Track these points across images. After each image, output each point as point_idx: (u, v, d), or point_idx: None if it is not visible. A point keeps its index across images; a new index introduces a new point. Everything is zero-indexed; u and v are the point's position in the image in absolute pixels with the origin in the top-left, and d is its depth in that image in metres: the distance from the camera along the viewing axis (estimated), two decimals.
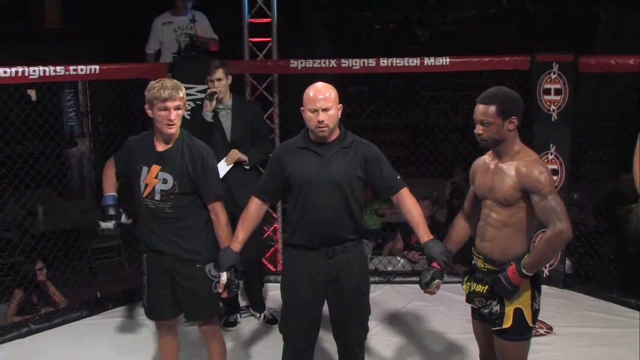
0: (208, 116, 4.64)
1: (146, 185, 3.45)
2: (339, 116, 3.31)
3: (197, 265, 3.51)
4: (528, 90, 5.36)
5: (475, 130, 3.06)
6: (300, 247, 3.38)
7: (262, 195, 3.46)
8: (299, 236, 3.37)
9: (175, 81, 3.46)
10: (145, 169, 3.46)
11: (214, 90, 4.63)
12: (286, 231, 3.51)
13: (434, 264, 3.22)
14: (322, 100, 3.23)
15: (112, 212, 3.61)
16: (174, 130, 3.42)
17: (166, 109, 3.36)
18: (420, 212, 3.36)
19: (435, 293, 3.27)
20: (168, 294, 3.57)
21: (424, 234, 3.28)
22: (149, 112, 3.43)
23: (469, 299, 3.22)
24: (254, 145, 4.75)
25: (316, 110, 3.23)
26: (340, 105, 3.31)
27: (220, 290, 3.45)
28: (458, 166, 7.60)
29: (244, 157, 4.69)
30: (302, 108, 3.29)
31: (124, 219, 3.64)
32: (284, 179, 3.37)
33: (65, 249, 5.49)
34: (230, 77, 4.75)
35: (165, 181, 3.43)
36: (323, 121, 3.23)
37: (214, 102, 4.63)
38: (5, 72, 4.54)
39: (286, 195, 3.47)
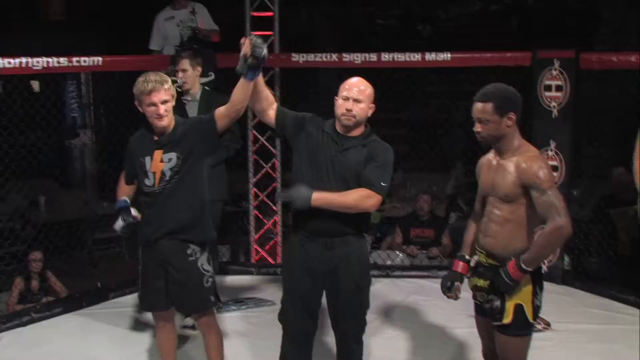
0: None
1: (154, 173, 3.45)
2: (369, 115, 3.34)
3: (190, 259, 3.51)
4: (529, 86, 5.37)
5: (474, 129, 3.08)
6: (301, 232, 3.38)
7: (278, 111, 3.44)
8: (301, 220, 3.37)
9: (161, 74, 3.45)
10: (147, 159, 3.46)
11: (174, 79, 4.48)
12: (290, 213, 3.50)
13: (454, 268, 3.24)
14: (357, 92, 3.28)
15: (122, 215, 3.58)
16: (165, 122, 3.42)
17: (153, 103, 3.36)
18: (352, 196, 3.25)
19: (458, 298, 3.29)
20: (161, 286, 3.58)
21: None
22: (140, 108, 3.44)
23: (473, 295, 3.23)
24: None
25: (348, 99, 3.27)
26: (373, 105, 3.34)
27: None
28: (458, 161, 7.62)
29: None
30: (335, 97, 3.33)
31: (134, 212, 3.59)
32: (295, 133, 3.37)
33: (66, 239, 5.52)
34: (199, 69, 4.65)
35: (169, 160, 3.43)
36: (351, 110, 3.26)
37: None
38: (9, 63, 4.58)
39: (286, 134, 3.44)
